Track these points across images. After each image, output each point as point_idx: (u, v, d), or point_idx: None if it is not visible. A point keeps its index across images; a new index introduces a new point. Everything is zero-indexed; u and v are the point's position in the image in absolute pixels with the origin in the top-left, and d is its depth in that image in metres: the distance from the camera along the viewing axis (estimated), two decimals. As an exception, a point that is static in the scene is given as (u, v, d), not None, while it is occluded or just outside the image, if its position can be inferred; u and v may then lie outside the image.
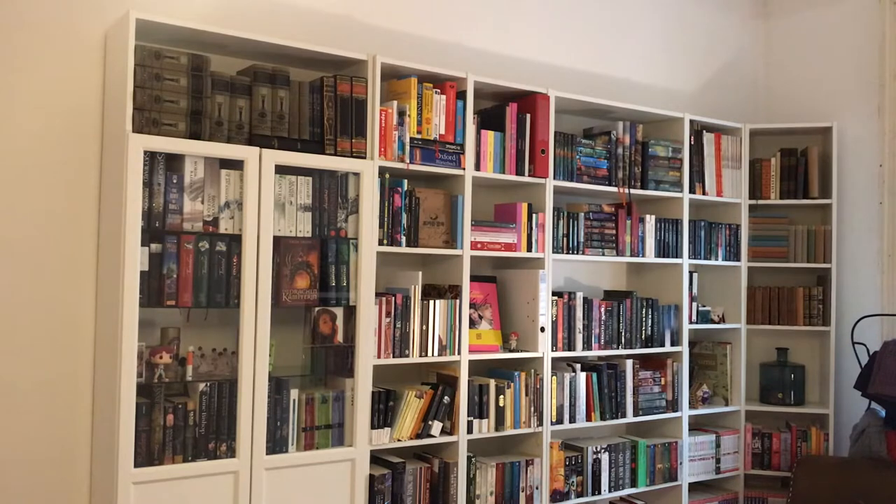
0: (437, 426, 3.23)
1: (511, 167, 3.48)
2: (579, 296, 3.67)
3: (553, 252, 3.60)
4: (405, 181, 3.23)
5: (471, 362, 3.36)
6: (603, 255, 3.78)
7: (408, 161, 3.19)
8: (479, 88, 3.45)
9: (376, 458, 3.19)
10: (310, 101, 2.97)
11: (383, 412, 3.11)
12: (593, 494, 3.70)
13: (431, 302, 3.24)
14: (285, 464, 2.88)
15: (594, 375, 3.70)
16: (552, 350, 3.56)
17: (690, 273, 4.12)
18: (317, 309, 3.01)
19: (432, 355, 3.24)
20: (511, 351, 3.51)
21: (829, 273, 4.26)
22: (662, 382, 3.96)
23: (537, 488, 3.51)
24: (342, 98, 3.03)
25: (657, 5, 4.45)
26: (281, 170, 2.90)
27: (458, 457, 3.28)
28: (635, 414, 3.84)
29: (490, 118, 3.52)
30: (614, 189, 3.81)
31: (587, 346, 3.71)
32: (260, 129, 2.87)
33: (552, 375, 3.56)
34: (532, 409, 3.49)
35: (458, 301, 3.30)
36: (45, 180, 2.80)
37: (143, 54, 2.65)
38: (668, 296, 4.07)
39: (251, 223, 2.81)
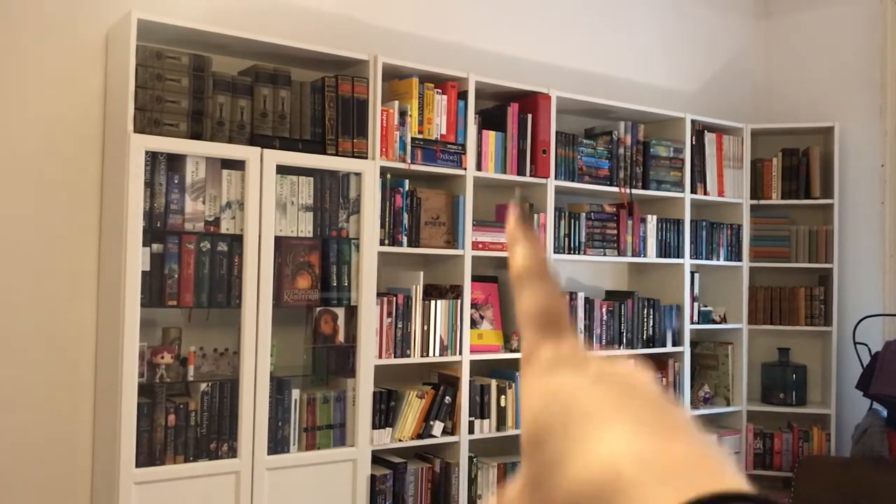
0: (438, 426, 3.23)
1: (512, 167, 3.48)
2: (581, 296, 3.67)
3: (554, 252, 3.60)
4: (406, 181, 3.23)
5: (472, 362, 3.35)
6: (604, 255, 3.78)
7: (409, 161, 3.19)
8: (481, 88, 3.45)
9: (378, 458, 3.19)
10: (311, 102, 2.97)
11: (385, 412, 3.11)
12: (595, 495, 3.70)
13: (433, 302, 3.24)
14: (287, 464, 2.88)
15: (596, 375, 3.70)
16: (554, 350, 3.56)
17: (692, 273, 4.11)
18: (318, 309, 3.00)
19: (434, 355, 3.24)
20: (512, 351, 3.51)
21: (831, 273, 4.26)
22: (664, 383, 3.95)
23: (539, 488, 3.51)
24: (343, 98, 3.03)
25: (658, 5, 4.45)
26: (282, 170, 2.90)
27: (460, 457, 3.28)
28: (637, 414, 3.84)
29: (491, 118, 3.51)
30: (616, 189, 3.81)
31: (589, 346, 3.70)
32: (261, 129, 2.87)
33: (554, 375, 3.55)
34: (533, 409, 3.49)
35: (459, 301, 3.30)
36: (46, 180, 2.80)
37: (144, 54, 2.65)
38: (670, 296, 4.07)
39: (252, 223, 2.81)
